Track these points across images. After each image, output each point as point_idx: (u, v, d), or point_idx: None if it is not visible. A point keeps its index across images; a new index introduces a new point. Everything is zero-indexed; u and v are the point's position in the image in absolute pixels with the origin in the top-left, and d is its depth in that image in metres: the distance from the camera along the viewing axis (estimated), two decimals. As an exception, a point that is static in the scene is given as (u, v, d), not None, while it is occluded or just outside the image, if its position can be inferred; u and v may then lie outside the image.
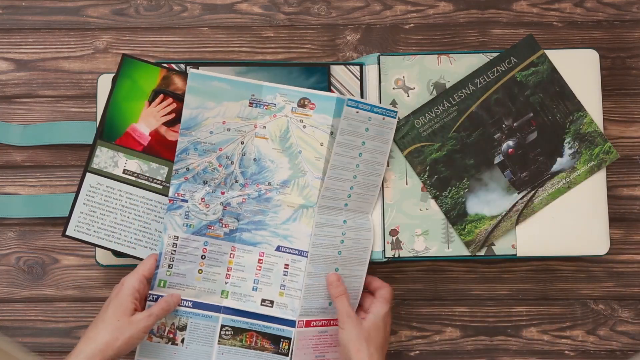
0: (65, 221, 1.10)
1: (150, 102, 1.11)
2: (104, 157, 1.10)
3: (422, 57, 1.16)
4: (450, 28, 1.21)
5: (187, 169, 1.08)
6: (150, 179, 1.10)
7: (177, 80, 1.11)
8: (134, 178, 1.10)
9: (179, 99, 1.11)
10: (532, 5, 1.22)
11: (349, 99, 1.09)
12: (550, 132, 1.15)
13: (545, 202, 1.14)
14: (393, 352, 1.17)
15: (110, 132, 1.11)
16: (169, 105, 1.11)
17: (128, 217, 1.10)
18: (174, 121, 1.11)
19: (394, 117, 1.13)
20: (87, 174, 1.10)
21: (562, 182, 1.15)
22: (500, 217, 1.14)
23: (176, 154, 1.08)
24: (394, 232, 1.14)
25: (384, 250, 1.14)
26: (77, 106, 1.21)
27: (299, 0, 1.22)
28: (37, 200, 1.18)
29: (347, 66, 1.16)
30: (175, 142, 1.10)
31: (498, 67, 1.16)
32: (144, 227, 1.10)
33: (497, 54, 1.16)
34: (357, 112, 1.10)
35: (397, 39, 1.21)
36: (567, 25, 1.21)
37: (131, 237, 1.10)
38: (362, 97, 1.15)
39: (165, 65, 1.12)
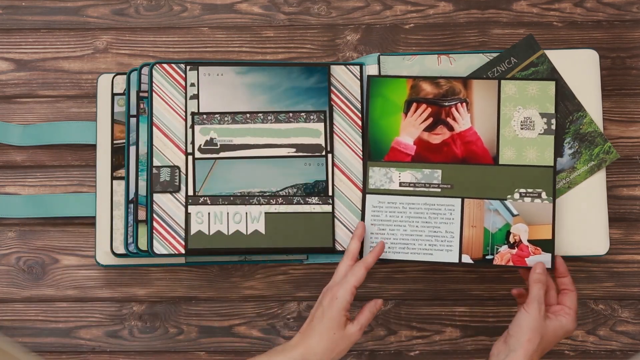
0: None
1: (406, 113, 1.14)
2: (377, 176, 1.13)
3: (422, 57, 1.16)
4: (450, 28, 1.21)
5: None
6: (427, 185, 1.12)
7: (426, 86, 1.14)
8: (411, 188, 1.12)
9: (432, 103, 1.13)
10: (532, 5, 1.22)
11: None
12: (550, 132, 1.15)
13: (545, 202, 1.14)
14: (393, 352, 1.17)
15: (377, 152, 1.14)
16: (424, 111, 1.14)
17: (417, 226, 1.12)
18: (434, 125, 1.13)
19: None
20: (367, 195, 1.13)
21: (562, 182, 1.14)
22: (500, 217, 1.14)
23: None
24: (394, 232, 1.14)
25: (384, 250, 1.14)
26: (77, 106, 1.21)
27: (299, 0, 1.22)
28: (37, 200, 1.18)
29: (347, 66, 1.16)
30: (439, 144, 1.13)
31: (498, 67, 1.16)
32: (435, 232, 1.12)
33: (497, 54, 1.16)
34: None
35: (397, 39, 1.21)
36: (567, 25, 1.21)
37: (425, 244, 1.12)
38: (362, 96, 1.15)
39: (408, 75, 1.15)
